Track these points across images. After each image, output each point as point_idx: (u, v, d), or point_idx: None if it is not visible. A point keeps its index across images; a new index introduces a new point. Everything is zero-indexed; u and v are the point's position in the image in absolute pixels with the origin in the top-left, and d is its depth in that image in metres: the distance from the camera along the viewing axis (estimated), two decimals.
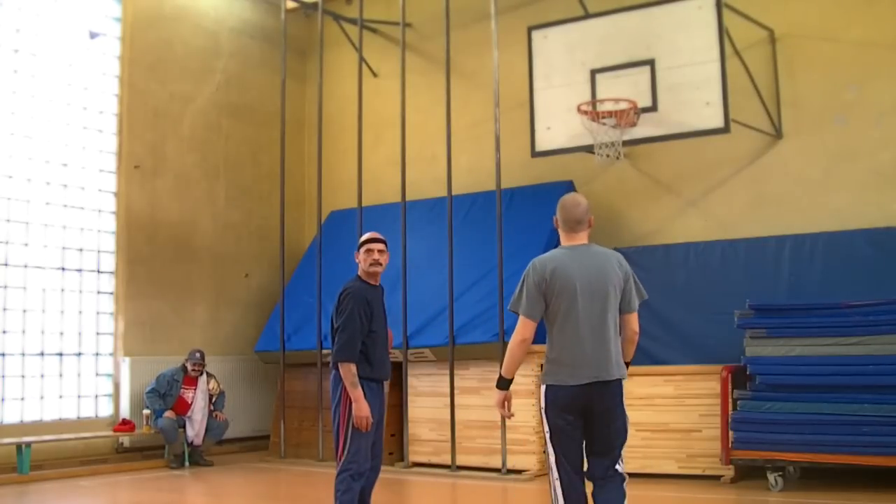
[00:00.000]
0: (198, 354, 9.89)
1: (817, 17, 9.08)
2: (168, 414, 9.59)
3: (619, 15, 8.75)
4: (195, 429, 9.69)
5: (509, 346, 4.39)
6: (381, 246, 5.39)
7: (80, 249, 10.12)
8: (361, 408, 5.17)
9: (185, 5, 11.24)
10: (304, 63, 12.51)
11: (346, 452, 5.20)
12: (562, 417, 4.26)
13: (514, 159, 9.73)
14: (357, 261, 5.43)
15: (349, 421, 5.22)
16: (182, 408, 9.72)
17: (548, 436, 4.33)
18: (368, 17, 11.10)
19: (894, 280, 7.94)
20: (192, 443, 9.71)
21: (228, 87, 11.63)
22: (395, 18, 10.35)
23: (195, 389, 9.82)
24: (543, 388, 4.33)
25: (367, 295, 5.32)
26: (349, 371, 5.19)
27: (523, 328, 4.29)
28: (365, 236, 5.49)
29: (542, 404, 4.34)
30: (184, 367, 9.89)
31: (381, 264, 5.39)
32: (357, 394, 5.18)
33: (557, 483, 4.29)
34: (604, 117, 8.45)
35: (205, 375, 9.96)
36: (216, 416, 9.94)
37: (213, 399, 10.00)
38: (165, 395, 9.70)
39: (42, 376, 9.63)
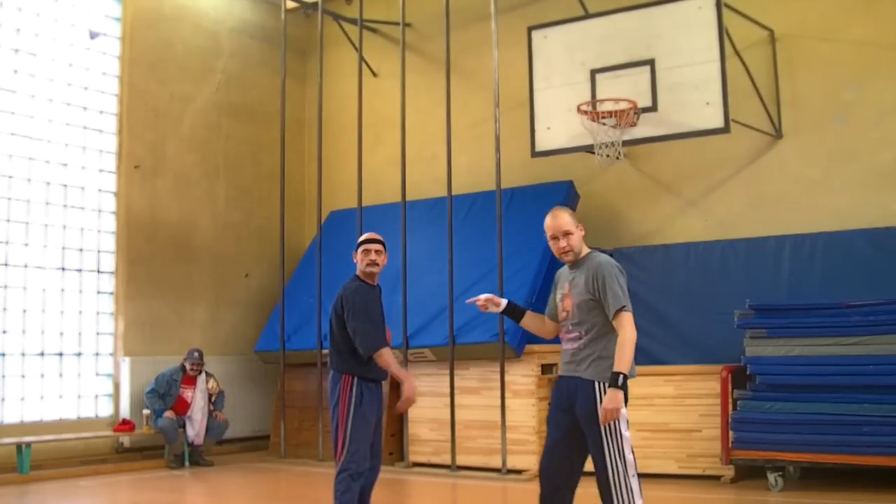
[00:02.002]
0: (196, 354, 9.89)
1: (817, 17, 9.08)
2: (168, 414, 9.59)
3: (619, 15, 8.74)
4: (195, 428, 9.68)
5: (630, 344, 4.31)
6: (378, 246, 5.40)
7: (80, 249, 10.11)
8: (411, 386, 5.26)
9: (185, 5, 11.24)
10: (304, 63, 12.51)
11: (345, 452, 5.20)
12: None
13: (514, 159, 9.73)
14: (355, 261, 5.44)
15: (348, 421, 5.22)
16: (182, 407, 9.72)
17: (626, 434, 4.31)
18: (368, 17, 11.10)
19: (894, 280, 7.94)
20: (192, 443, 9.70)
21: (228, 87, 11.63)
22: (395, 18, 10.35)
23: (194, 389, 9.82)
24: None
25: (368, 293, 5.36)
26: (385, 358, 5.22)
27: (633, 323, 4.38)
28: (363, 237, 5.50)
29: (623, 402, 4.31)
30: (183, 367, 9.89)
31: (378, 265, 5.40)
32: (402, 373, 5.30)
33: (636, 482, 4.31)
34: (604, 117, 8.45)
35: (204, 375, 9.96)
36: (216, 416, 9.94)
37: (213, 399, 10.00)
38: (165, 395, 9.70)
39: (42, 376, 9.63)
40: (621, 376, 4.25)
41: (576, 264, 4.57)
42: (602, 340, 4.38)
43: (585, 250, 4.59)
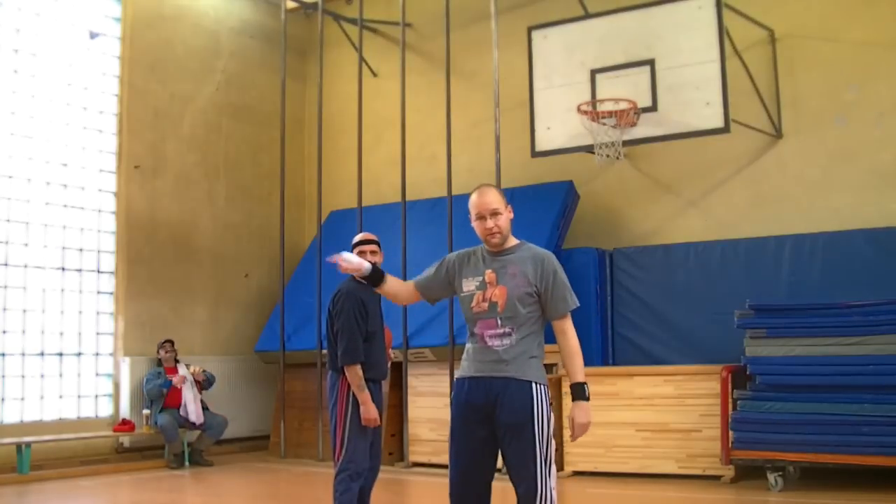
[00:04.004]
0: (162, 341, 9.98)
1: (817, 17, 9.09)
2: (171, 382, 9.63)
3: (619, 15, 8.74)
4: (193, 410, 9.66)
5: (580, 351, 3.97)
6: (372, 247, 5.39)
7: (80, 249, 10.11)
8: (369, 410, 5.21)
9: (185, 5, 11.24)
10: (304, 63, 12.50)
11: (344, 452, 5.20)
12: None
13: (514, 159, 9.72)
14: None
15: (347, 421, 5.22)
16: (175, 398, 9.72)
17: (552, 441, 3.92)
18: (368, 17, 11.09)
19: (894, 280, 7.95)
20: (195, 424, 9.67)
21: (228, 87, 11.63)
22: (395, 18, 10.35)
23: (178, 374, 9.85)
24: (547, 388, 3.96)
25: (361, 295, 5.31)
26: (355, 374, 5.21)
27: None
28: (357, 238, 5.47)
29: (548, 404, 3.96)
30: (159, 361, 9.95)
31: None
32: (364, 396, 5.21)
33: (557, 496, 3.90)
34: (604, 117, 8.44)
35: (182, 364, 9.98)
36: (194, 371, 9.87)
37: (202, 381, 9.95)
38: (152, 400, 9.72)
39: (42, 376, 9.62)
40: (587, 387, 3.92)
41: (503, 251, 4.10)
42: (535, 338, 3.97)
43: (513, 239, 4.17)
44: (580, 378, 3.94)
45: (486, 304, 3.98)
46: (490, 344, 3.95)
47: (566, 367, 4.00)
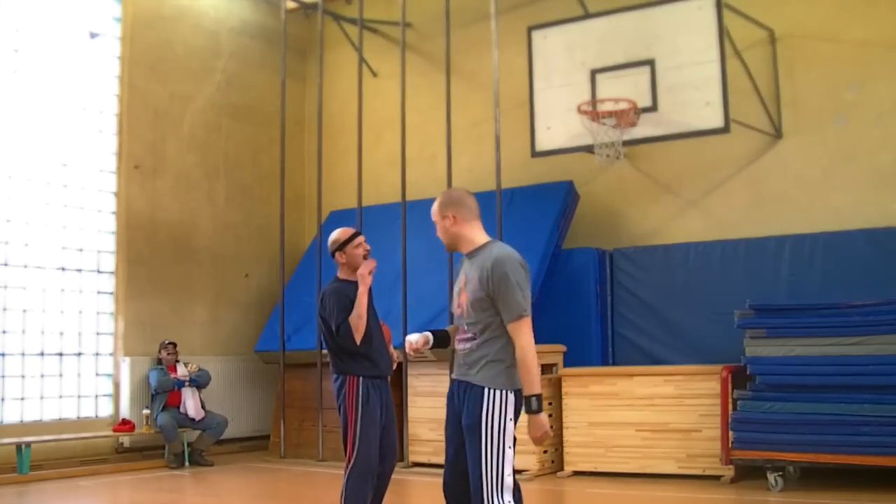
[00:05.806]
0: (165, 342, 10.02)
1: (817, 17, 9.09)
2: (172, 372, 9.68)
3: (619, 15, 8.74)
4: (192, 406, 9.70)
5: (532, 357, 3.81)
6: (360, 238, 5.45)
7: (80, 249, 10.11)
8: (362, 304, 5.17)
9: (185, 5, 11.24)
10: (304, 63, 12.51)
11: (355, 452, 5.15)
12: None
13: (514, 159, 9.73)
14: (340, 261, 5.40)
15: (357, 422, 5.18)
16: (175, 397, 9.75)
17: (510, 452, 3.80)
18: (368, 17, 11.09)
19: (894, 280, 7.95)
20: (195, 420, 9.70)
21: (228, 87, 11.63)
22: (395, 18, 10.35)
23: (177, 374, 9.89)
24: (508, 393, 3.84)
25: (350, 294, 5.27)
26: (356, 318, 5.14)
27: (530, 329, 3.85)
28: (345, 234, 5.42)
29: (510, 413, 3.83)
30: (159, 360, 9.98)
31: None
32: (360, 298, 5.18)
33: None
34: (604, 117, 8.45)
35: (181, 364, 10.01)
36: (191, 368, 9.97)
37: (194, 376, 9.99)
38: (158, 392, 9.74)
39: (42, 376, 9.63)
40: (534, 399, 3.79)
41: (472, 255, 4.03)
42: (496, 342, 3.89)
43: (481, 240, 4.06)
44: (529, 390, 3.82)
45: (459, 310, 4.07)
46: (459, 347, 4.05)
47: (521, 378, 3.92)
